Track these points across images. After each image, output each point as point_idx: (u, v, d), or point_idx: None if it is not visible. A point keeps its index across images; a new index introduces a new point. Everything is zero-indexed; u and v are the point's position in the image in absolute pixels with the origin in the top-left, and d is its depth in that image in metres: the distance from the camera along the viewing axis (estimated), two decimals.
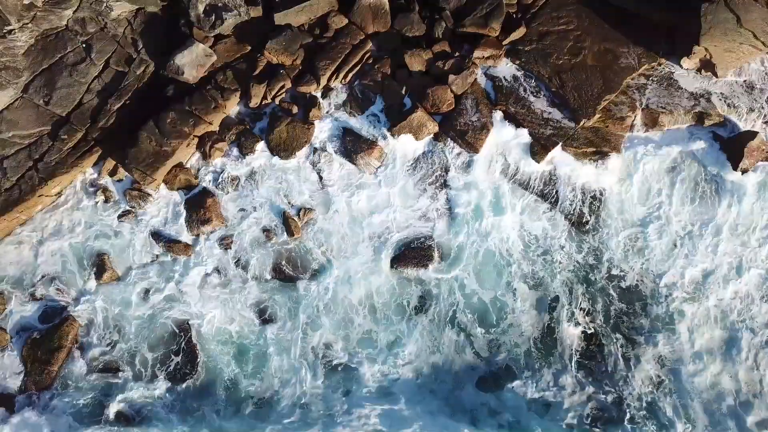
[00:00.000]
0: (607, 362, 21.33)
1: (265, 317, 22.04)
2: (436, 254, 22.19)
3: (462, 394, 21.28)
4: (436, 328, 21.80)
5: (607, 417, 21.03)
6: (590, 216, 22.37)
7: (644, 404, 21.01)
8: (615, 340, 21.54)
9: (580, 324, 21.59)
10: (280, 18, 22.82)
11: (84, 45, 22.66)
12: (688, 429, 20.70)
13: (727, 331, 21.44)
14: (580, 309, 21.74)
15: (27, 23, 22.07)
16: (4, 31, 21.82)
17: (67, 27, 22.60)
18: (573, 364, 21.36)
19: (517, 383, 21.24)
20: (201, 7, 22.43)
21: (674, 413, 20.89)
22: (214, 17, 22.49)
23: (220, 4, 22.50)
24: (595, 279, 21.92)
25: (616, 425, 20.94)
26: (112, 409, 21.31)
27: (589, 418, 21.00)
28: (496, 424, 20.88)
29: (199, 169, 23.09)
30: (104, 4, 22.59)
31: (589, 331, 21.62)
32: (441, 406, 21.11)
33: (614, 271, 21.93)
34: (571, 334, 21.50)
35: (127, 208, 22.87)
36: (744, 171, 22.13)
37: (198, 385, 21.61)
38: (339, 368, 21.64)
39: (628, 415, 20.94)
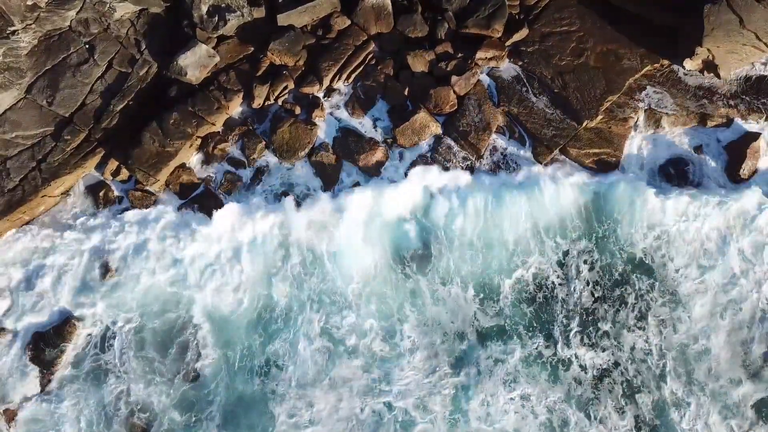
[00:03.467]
0: None
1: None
2: None
3: None
4: None
5: None
6: None
7: None
8: None
9: None
10: (283, 19, 22.84)
11: (87, 46, 22.67)
12: None
13: None
14: None
15: (30, 24, 22.07)
16: (8, 32, 21.81)
17: (70, 28, 22.61)
18: None
19: None
20: (204, 8, 22.45)
21: None
22: (217, 18, 22.51)
23: (223, 5, 22.53)
24: None
25: None
26: None
27: None
28: None
29: (201, 170, 23.08)
30: (107, 5, 22.60)
31: None
32: None
33: None
34: None
35: (129, 208, 22.85)
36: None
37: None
38: None
39: None
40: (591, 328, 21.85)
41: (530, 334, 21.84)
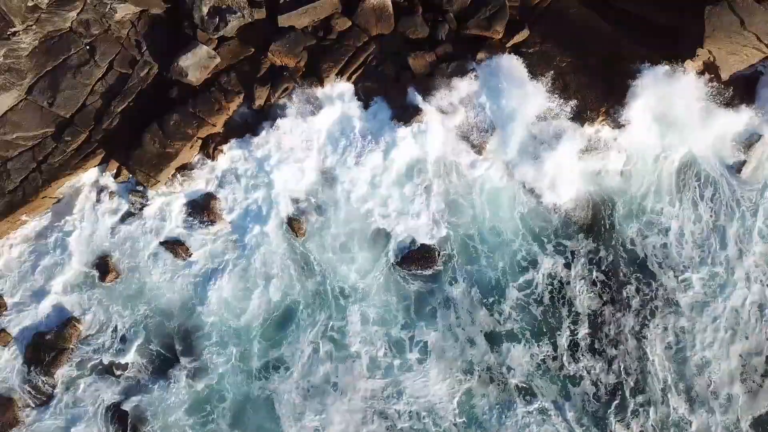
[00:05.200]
0: None
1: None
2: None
3: None
4: None
5: None
6: None
7: None
8: None
9: None
10: (283, 20, 22.82)
11: (88, 47, 22.66)
12: None
13: None
14: None
15: (31, 25, 22.06)
16: (9, 33, 21.80)
17: (71, 29, 22.60)
18: None
19: None
20: (205, 10, 22.45)
21: None
22: (217, 19, 22.50)
23: (223, 7, 22.52)
24: None
25: None
26: None
27: None
28: None
29: (202, 171, 23.03)
30: (108, 6, 22.59)
31: None
32: None
33: None
34: None
35: (130, 209, 22.85)
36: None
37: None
38: None
39: None
40: None
41: None
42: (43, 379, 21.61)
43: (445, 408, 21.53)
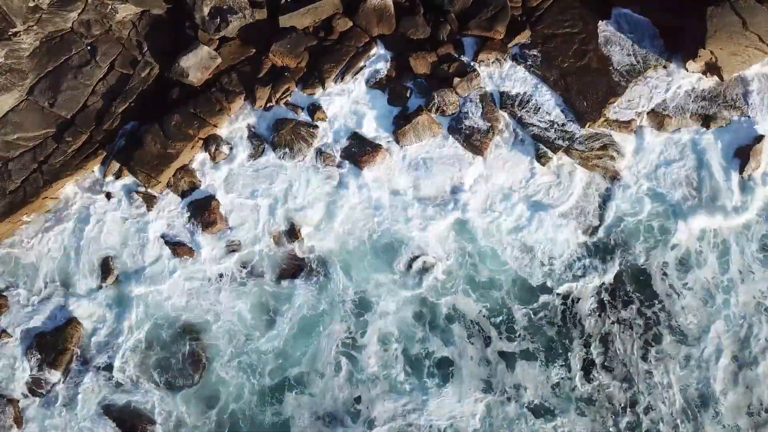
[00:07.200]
0: None
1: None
2: None
3: None
4: None
5: None
6: None
7: None
8: None
9: None
10: (284, 20, 22.84)
11: (89, 47, 22.69)
12: None
13: None
14: None
15: (32, 25, 22.11)
16: (10, 33, 21.85)
17: (72, 29, 22.64)
18: None
19: None
20: (206, 10, 22.45)
21: None
22: (219, 20, 22.51)
23: (225, 7, 22.53)
24: None
25: None
26: None
27: None
28: None
29: (203, 172, 23.02)
30: (109, 7, 22.63)
31: None
32: None
33: None
34: None
35: (132, 210, 22.83)
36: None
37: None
38: None
39: None
40: None
41: None
42: (45, 379, 21.60)
43: (466, 424, 21.28)
